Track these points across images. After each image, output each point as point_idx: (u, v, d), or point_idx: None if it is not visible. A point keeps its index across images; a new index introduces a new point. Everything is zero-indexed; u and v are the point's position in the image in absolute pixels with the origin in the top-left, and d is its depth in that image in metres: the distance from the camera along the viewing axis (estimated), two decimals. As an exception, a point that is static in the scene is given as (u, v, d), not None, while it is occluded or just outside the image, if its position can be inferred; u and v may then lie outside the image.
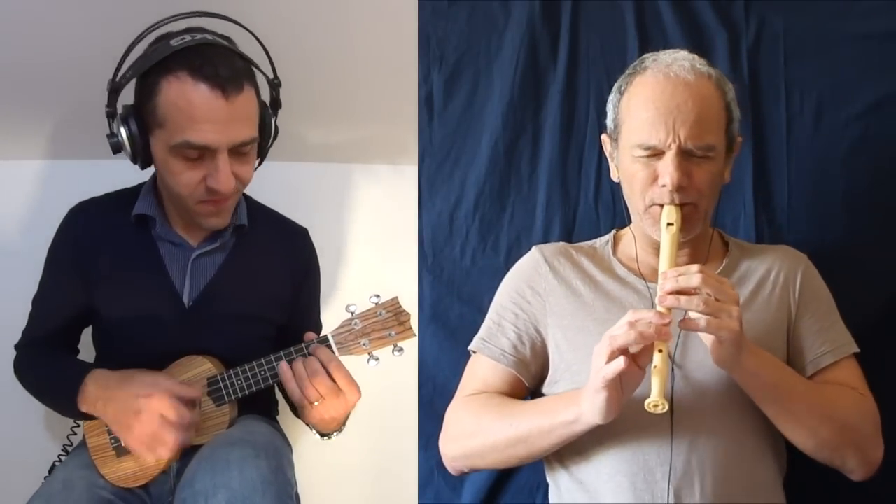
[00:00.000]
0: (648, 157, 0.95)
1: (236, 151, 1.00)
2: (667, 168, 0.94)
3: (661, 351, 0.86)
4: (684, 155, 0.94)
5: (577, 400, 0.91)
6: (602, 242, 1.10)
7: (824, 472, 0.97)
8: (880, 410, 0.99)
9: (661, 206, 0.95)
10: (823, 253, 1.09)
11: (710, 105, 0.95)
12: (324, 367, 0.99)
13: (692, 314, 0.86)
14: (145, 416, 0.97)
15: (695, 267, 0.87)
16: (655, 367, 0.85)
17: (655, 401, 0.85)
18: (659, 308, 0.87)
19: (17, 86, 1.30)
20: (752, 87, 1.20)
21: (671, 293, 0.86)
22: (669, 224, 0.94)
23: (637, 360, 0.86)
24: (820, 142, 1.20)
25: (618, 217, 1.19)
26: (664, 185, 0.94)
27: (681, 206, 0.94)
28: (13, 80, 1.28)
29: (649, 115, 0.94)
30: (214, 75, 0.94)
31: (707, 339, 0.88)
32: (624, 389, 0.87)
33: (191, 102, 0.94)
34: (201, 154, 0.98)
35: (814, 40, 1.20)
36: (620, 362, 0.84)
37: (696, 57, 0.97)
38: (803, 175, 1.19)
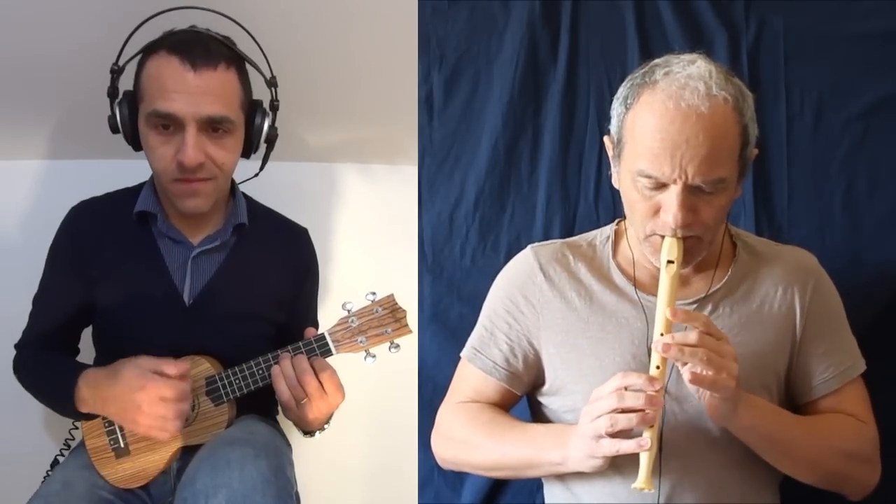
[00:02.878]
0: (651, 188, 0.88)
1: (208, 129, 1.02)
2: (671, 205, 0.87)
3: (651, 426, 0.84)
4: (691, 190, 0.87)
5: (566, 442, 0.91)
6: (602, 239, 1.04)
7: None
8: (880, 412, 0.99)
9: (663, 236, 0.90)
10: (823, 253, 1.08)
11: (723, 136, 0.86)
12: (312, 367, 1.01)
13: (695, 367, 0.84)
14: (146, 407, 0.97)
15: (698, 319, 0.85)
16: (643, 445, 0.84)
17: (642, 485, 0.85)
18: (653, 368, 0.86)
19: (17, 85, 1.30)
20: (752, 87, 1.20)
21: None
22: (670, 262, 0.88)
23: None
24: (820, 142, 1.19)
25: (618, 217, 1.19)
26: (666, 221, 0.88)
27: (683, 238, 0.89)
28: (13, 79, 1.28)
29: (654, 146, 0.86)
30: (187, 51, 0.99)
31: (700, 394, 0.87)
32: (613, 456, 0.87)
33: (162, 73, 1.00)
34: (173, 128, 1.01)
35: (814, 40, 1.20)
36: (624, 448, 0.84)
37: (713, 71, 0.87)
38: (803, 175, 1.19)
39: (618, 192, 1.18)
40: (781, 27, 1.20)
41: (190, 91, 0.99)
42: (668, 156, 0.85)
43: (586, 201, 1.22)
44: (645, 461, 0.84)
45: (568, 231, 1.21)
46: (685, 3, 1.21)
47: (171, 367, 1.01)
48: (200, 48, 1.00)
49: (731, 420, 0.88)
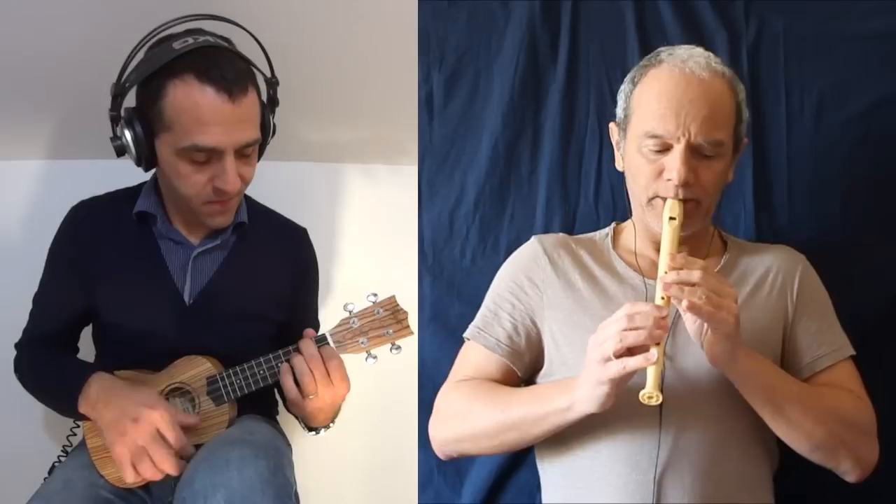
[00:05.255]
0: (656, 150, 0.95)
1: (241, 152, 1.02)
2: (674, 163, 0.94)
3: (657, 344, 0.86)
4: (692, 151, 0.94)
5: (572, 388, 0.92)
6: (602, 235, 1.10)
7: (817, 469, 0.98)
8: (879, 410, 0.99)
9: (664, 199, 0.96)
10: (823, 253, 1.09)
11: (722, 103, 0.96)
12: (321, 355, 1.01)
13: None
14: (141, 426, 0.96)
15: (697, 262, 0.88)
16: (650, 359, 0.86)
17: (650, 392, 0.86)
18: (658, 300, 0.88)
19: (18, 85, 1.30)
20: (752, 87, 1.20)
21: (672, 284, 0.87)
22: (672, 218, 0.94)
23: (633, 351, 0.87)
24: (820, 142, 1.19)
25: (618, 217, 1.19)
26: (669, 180, 0.95)
27: (684, 201, 0.95)
28: (14, 79, 1.28)
29: (660, 106, 0.95)
30: (220, 78, 0.96)
31: (703, 338, 0.89)
32: (621, 381, 0.88)
33: (198, 105, 0.96)
34: (208, 156, 0.99)
35: (814, 40, 1.20)
36: (631, 364, 0.85)
37: (711, 55, 0.98)
38: (803, 175, 1.19)
39: (618, 191, 1.18)
40: (781, 27, 1.20)
41: (229, 122, 0.98)
42: (674, 115, 0.94)
43: (586, 201, 1.22)
44: (652, 372, 0.86)
45: (568, 231, 1.21)
46: (685, 3, 1.21)
47: (189, 417, 1.03)
48: (230, 71, 0.97)
49: (731, 364, 0.90)
